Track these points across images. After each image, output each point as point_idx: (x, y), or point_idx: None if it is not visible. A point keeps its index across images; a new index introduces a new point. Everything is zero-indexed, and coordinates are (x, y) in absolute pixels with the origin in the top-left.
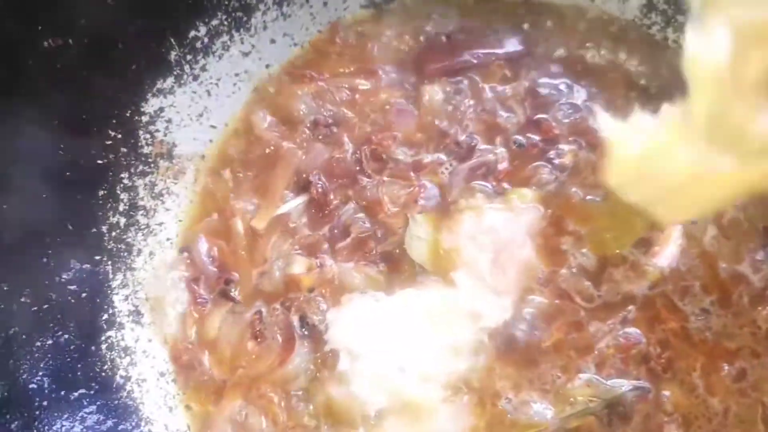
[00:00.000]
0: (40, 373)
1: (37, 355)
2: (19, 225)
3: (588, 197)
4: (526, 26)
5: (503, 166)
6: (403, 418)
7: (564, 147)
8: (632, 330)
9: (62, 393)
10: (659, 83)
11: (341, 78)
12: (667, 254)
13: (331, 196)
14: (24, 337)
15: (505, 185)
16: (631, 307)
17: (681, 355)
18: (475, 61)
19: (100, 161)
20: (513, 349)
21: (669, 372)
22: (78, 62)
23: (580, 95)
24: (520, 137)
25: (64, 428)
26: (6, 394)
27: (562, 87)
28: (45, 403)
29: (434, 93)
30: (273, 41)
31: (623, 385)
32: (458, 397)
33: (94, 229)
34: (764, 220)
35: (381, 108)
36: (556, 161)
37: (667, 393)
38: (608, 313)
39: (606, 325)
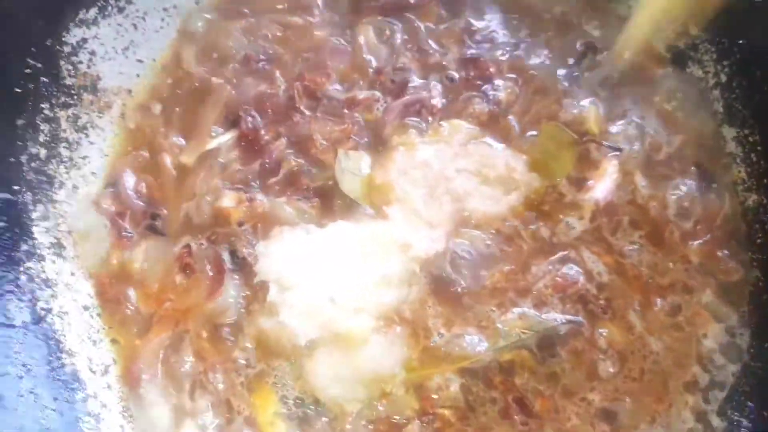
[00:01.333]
0: None
1: None
2: None
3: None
4: None
5: (436, 101)
6: (334, 349)
7: (500, 83)
8: (569, 269)
9: None
10: (593, 23)
11: (274, 14)
12: (602, 188)
13: (262, 132)
14: None
15: (440, 121)
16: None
17: (617, 293)
18: (411, 1)
19: (18, 89)
20: (446, 283)
21: (608, 312)
22: None
23: (516, 33)
24: (453, 72)
25: None
26: None
27: (499, 26)
28: None
29: (369, 31)
30: None
31: (556, 319)
32: (390, 329)
33: (12, 159)
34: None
35: (315, 46)
36: (491, 94)
37: (603, 330)
38: (546, 251)
39: (544, 264)
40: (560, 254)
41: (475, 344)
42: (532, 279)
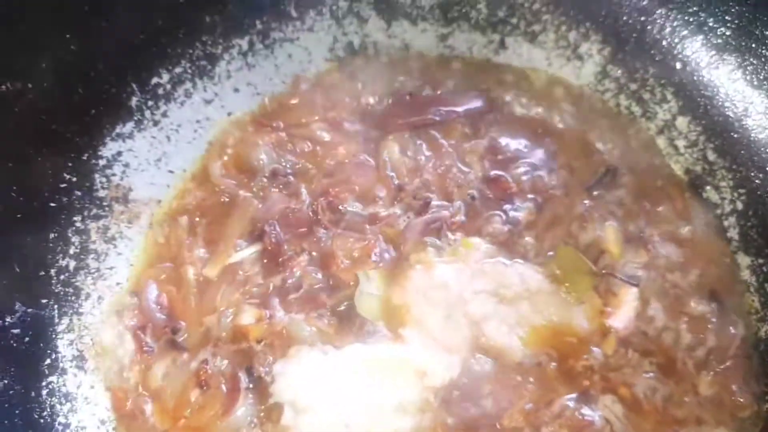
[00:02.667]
0: None
1: None
2: None
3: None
4: (486, 86)
5: (458, 218)
6: None
7: (520, 203)
8: (586, 409)
9: None
10: (613, 146)
11: (303, 129)
12: (622, 317)
13: (285, 247)
14: None
15: (457, 237)
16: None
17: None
18: (437, 118)
19: (53, 204)
20: (460, 414)
21: None
22: (36, 106)
23: (538, 155)
24: (474, 191)
25: None
26: None
27: (521, 146)
28: None
29: (393, 148)
30: (236, 90)
31: None
32: None
33: (42, 272)
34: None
35: (340, 161)
36: (511, 214)
37: None
38: (564, 384)
39: (561, 400)
40: (577, 390)
41: None
42: (549, 417)
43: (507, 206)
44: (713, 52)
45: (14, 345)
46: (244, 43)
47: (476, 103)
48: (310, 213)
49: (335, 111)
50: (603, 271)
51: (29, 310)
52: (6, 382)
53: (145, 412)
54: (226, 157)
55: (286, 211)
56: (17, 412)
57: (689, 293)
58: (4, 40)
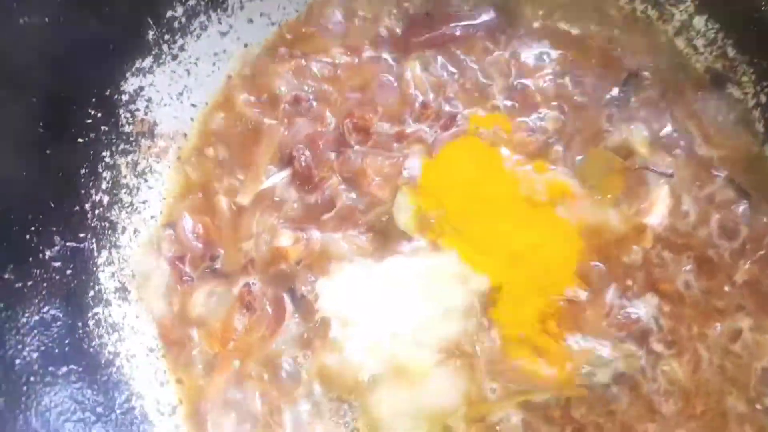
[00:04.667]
0: (27, 349)
1: (22, 331)
2: (1, 200)
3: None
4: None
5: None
6: (397, 383)
7: (545, 111)
8: (632, 306)
9: (50, 369)
10: (633, 51)
11: (322, 54)
12: (657, 213)
13: (315, 170)
14: (9, 313)
15: None
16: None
17: (679, 324)
18: (457, 33)
19: (80, 139)
20: None
21: (673, 348)
22: (56, 41)
23: (560, 64)
24: (498, 102)
25: (53, 403)
26: None
27: (543, 56)
28: (32, 378)
29: (415, 66)
30: (250, 21)
31: (617, 356)
32: (451, 361)
33: (77, 207)
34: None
35: (362, 83)
36: (537, 123)
37: (665, 368)
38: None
39: (607, 298)
40: (622, 288)
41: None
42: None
43: (533, 115)
44: None
45: (57, 277)
46: None
47: (493, 16)
48: (337, 135)
49: (353, 35)
50: (636, 167)
51: (68, 243)
52: (53, 313)
53: (192, 338)
54: (247, 88)
55: (313, 135)
56: (67, 342)
57: (720, 187)
58: None
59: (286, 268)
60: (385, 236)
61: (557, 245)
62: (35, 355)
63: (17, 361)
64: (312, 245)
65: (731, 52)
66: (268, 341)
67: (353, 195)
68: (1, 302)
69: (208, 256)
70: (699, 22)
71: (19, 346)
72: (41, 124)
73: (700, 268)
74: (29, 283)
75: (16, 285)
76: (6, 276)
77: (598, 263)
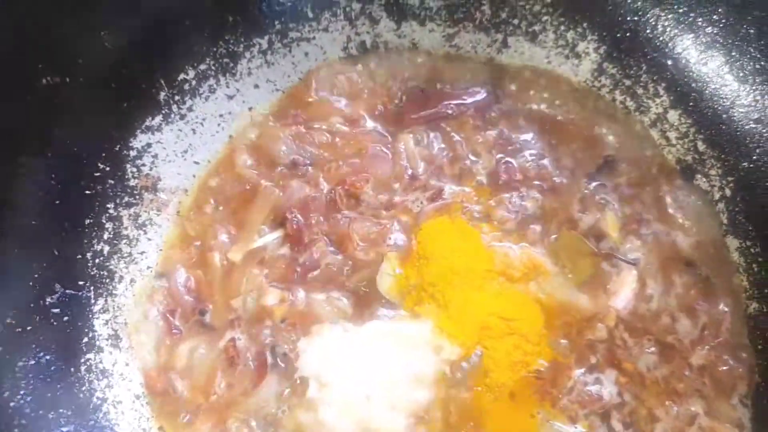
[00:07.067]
0: (21, 392)
1: (19, 374)
2: (9, 248)
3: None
4: (491, 82)
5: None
6: None
7: (525, 191)
8: (595, 384)
9: (41, 412)
10: (611, 138)
11: (322, 122)
12: (622, 297)
13: (306, 233)
14: (8, 356)
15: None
16: (594, 356)
17: (638, 404)
18: (449, 112)
19: (88, 191)
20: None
21: (630, 429)
22: (73, 99)
23: (543, 145)
24: (483, 179)
25: None
26: None
27: (528, 137)
28: (24, 421)
29: (408, 140)
30: (257, 86)
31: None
32: (420, 427)
33: (79, 256)
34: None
35: (358, 152)
36: (518, 202)
37: None
38: (575, 360)
39: (573, 375)
40: (586, 365)
41: None
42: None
43: (514, 193)
44: (702, 49)
45: (55, 324)
46: (264, 42)
47: (483, 97)
48: (329, 200)
49: (351, 106)
50: (604, 252)
51: (67, 291)
52: (48, 357)
53: (176, 389)
54: (248, 149)
55: (306, 198)
56: (59, 386)
57: (683, 273)
58: (45, 38)
59: (270, 326)
60: (366, 300)
61: (529, 320)
62: (29, 398)
63: (11, 404)
64: (297, 305)
65: (701, 146)
66: (250, 396)
67: (339, 257)
68: (1, 346)
69: (197, 310)
70: (673, 116)
71: (15, 389)
72: (53, 176)
73: (661, 352)
74: (29, 329)
75: (17, 330)
76: (8, 321)
77: (563, 340)
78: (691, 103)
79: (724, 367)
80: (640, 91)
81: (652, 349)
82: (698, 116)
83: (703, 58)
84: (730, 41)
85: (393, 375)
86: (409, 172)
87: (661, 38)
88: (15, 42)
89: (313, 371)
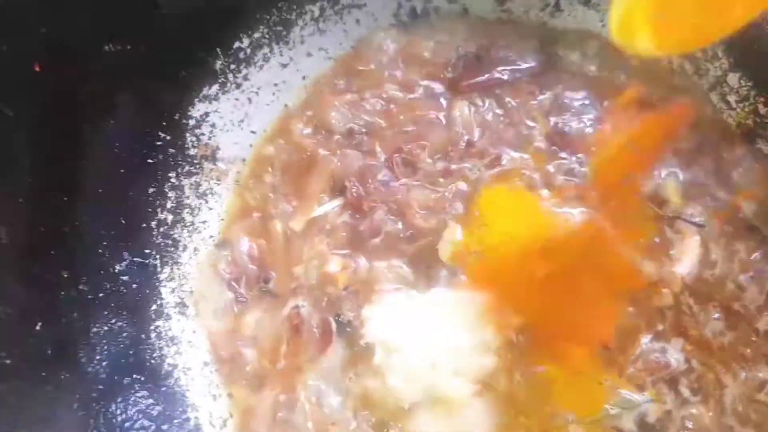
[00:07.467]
0: (97, 357)
1: (93, 340)
2: (78, 217)
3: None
4: (545, 47)
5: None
6: (435, 412)
7: (584, 157)
8: (662, 352)
9: (115, 378)
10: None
11: (376, 89)
12: (686, 263)
13: (365, 201)
14: (82, 323)
15: None
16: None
17: (706, 370)
18: (504, 77)
19: (150, 160)
20: None
21: (698, 395)
22: (134, 67)
23: (600, 110)
24: (540, 145)
25: (118, 410)
26: (67, 375)
27: (584, 102)
28: (101, 386)
29: (463, 107)
30: (310, 54)
31: (646, 399)
32: (488, 393)
33: (144, 224)
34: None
35: (413, 120)
36: (575, 168)
37: (692, 411)
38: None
39: (638, 343)
40: (653, 332)
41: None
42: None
43: (572, 158)
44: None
45: (124, 291)
46: (315, 9)
47: (537, 62)
48: (386, 168)
49: (404, 74)
50: (669, 215)
51: (135, 259)
52: (120, 324)
53: (243, 356)
54: (304, 118)
55: (364, 168)
56: (131, 352)
57: (745, 238)
58: (105, 8)
59: (333, 293)
60: (428, 267)
61: (591, 288)
62: (105, 363)
63: (88, 369)
64: (359, 272)
65: (762, 110)
66: (316, 362)
67: (399, 225)
68: (75, 313)
69: (261, 278)
70: (733, 78)
71: (91, 355)
72: (116, 144)
73: (726, 318)
74: (100, 296)
75: (89, 297)
76: (80, 287)
77: (629, 308)
78: (750, 66)
79: None
80: (698, 53)
81: (717, 315)
82: (758, 78)
83: (764, 18)
84: None
85: (457, 341)
86: (465, 138)
87: None
88: (79, 8)
89: (378, 338)
